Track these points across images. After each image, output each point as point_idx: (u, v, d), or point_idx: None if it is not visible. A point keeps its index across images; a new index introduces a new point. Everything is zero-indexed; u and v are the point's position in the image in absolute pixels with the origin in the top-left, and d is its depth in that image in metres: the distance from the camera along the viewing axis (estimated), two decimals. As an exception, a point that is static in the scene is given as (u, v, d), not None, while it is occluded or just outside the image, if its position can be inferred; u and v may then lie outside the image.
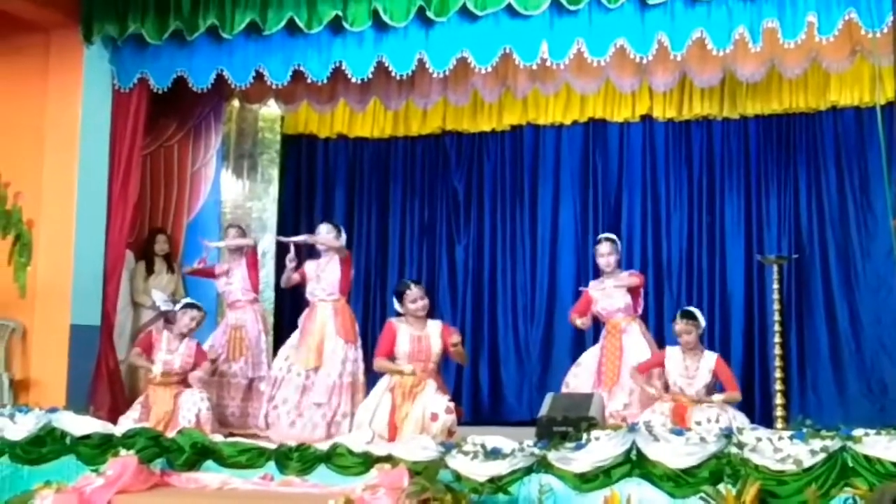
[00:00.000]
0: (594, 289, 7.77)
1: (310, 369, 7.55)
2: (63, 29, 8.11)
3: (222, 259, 8.71)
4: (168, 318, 7.69)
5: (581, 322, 7.82)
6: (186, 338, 7.57)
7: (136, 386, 8.32)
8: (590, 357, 7.73)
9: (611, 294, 7.64)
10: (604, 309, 7.69)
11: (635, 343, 7.51)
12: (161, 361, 7.46)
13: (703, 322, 7.10)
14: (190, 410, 7.22)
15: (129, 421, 7.05)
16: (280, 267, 8.48)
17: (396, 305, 7.10)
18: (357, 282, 9.69)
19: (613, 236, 7.93)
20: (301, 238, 7.95)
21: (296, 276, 7.86)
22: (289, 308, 8.96)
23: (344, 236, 7.92)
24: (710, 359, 6.99)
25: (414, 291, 7.00)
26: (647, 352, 7.48)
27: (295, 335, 7.78)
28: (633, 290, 7.66)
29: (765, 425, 6.39)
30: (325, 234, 7.78)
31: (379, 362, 7.01)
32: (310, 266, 7.83)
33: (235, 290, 8.34)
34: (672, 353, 7.07)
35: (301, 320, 7.82)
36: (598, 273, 7.98)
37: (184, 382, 7.48)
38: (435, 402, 6.71)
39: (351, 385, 7.57)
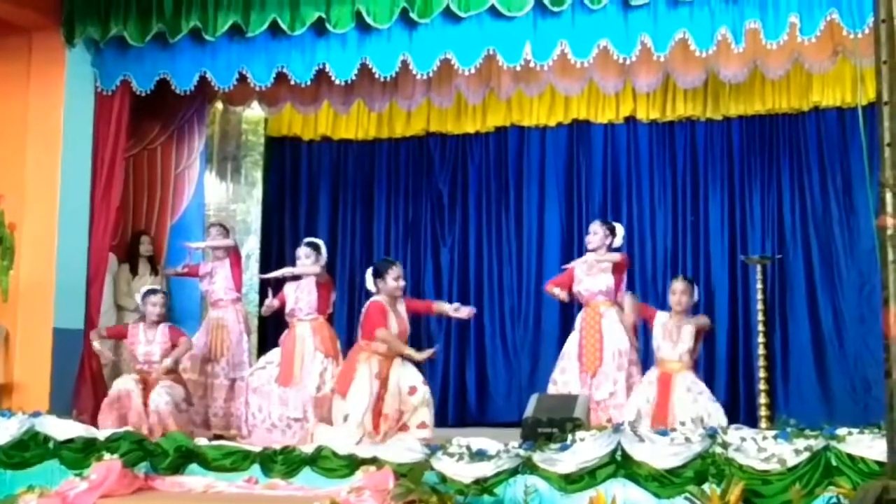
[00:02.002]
0: (579, 265, 7.77)
1: (288, 387, 7.49)
2: (45, 31, 8.07)
3: (206, 258, 8.68)
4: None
5: (559, 291, 7.83)
6: (160, 324, 7.58)
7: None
8: (572, 344, 7.73)
9: (595, 274, 7.65)
10: (586, 289, 7.69)
11: (612, 329, 7.53)
12: (142, 354, 7.49)
13: (696, 293, 7.25)
14: (156, 402, 7.23)
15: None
16: (264, 288, 8.44)
17: (371, 284, 7.11)
18: (341, 283, 9.68)
19: (614, 224, 7.94)
20: (281, 272, 7.86)
21: (275, 303, 7.78)
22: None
23: (324, 255, 7.79)
24: (691, 323, 7.04)
25: (398, 269, 7.10)
26: (625, 339, 7.49)
27: (276, 352, 7.72)
28: (616, 272, 7.66)
29: (749, 425, 6.41)
30: (304, 260, 7.69)
31: (383, 333, 6.89)
32: (288, 288, 7.75)
33: (218, 290, 8.31)
34: (660, 318, 7.14)
35: (281, 340, 7.77)
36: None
37: (171, 373, 7.47)
38: (410, 376, 6.79)
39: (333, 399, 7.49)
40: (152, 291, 7.72)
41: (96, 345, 7.73)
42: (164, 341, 7.51)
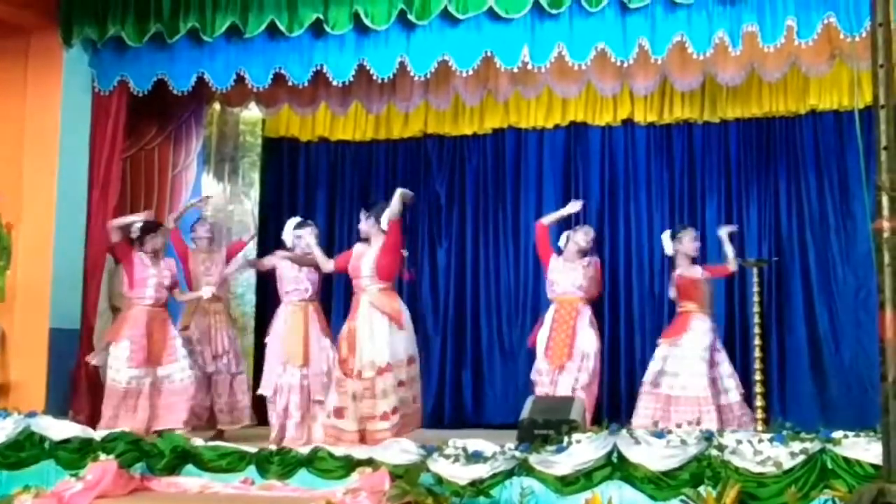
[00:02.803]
0: (555, 259, 8.01)
1: (297, 367, 7.50)
2: (42, 31, 8.07)
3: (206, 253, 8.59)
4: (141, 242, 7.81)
5: (551, 219, 8.16)
6: (160, 259, 7.79)
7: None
8: (542, 343, 7.88)
9: (569, 271, 7.88)
10: (555, 282, 7.87)
11: (584, 331, 7.74)
12: (153, 285, 7.69)
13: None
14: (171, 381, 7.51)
15: (123, 352, 7.46)
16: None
17: None
18: (338, 285, 9.67)
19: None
20: (280, 257, 7.79)
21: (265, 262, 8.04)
22: (271, 309, 8.91)
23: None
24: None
25: (361, 217, 7.51)
26: (593, 343, 7.70)
27: (276, 338, 7.71)
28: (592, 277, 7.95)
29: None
30: (314, 245, 7.70)
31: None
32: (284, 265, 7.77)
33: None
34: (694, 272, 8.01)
35: (278, 322, 7.74)
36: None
37: (164, 307, 7.73)
38: (392, 347, 7.02)
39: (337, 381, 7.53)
40: (158, 226, 7.93)
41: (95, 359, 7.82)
42: (168, 275, 7.75)
